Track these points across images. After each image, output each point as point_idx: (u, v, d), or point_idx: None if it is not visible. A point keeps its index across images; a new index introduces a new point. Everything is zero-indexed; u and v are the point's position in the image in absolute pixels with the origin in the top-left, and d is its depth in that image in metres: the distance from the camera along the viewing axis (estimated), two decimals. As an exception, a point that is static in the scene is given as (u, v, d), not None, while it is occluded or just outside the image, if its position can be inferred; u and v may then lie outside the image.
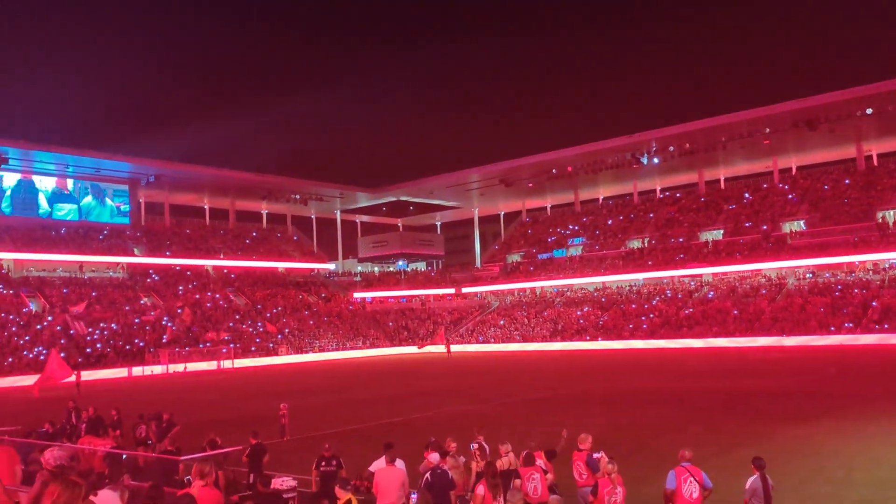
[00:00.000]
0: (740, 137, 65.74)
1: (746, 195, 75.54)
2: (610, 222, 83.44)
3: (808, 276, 62.32)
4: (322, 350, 67.27)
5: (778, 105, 61.51)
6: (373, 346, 71.87)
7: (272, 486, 11.63)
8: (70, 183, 70.71)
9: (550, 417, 20.88)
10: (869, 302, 54.02)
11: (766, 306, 59.06)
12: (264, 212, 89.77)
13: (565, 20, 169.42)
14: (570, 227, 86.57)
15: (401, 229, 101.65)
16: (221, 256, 77.61)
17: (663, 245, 73.23)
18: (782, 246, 64.60)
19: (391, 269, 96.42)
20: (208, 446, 13.30)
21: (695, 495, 9.01)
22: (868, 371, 32.82)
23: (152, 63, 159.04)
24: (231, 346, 60.57)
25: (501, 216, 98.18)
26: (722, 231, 71.57)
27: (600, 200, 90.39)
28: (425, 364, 53.09)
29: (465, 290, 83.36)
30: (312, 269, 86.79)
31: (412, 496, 9.06)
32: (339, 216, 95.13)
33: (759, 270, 65.27)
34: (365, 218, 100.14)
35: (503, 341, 69.61)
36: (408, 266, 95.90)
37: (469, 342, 71.77)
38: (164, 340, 58.22)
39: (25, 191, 68.21)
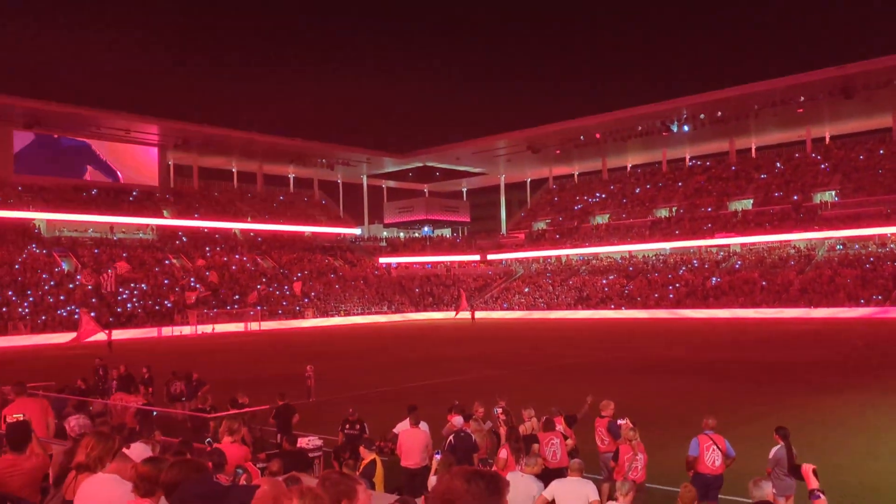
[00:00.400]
0: (773, 105, 64.45)
1: (778, 164, 74.32)
2: (637, 191, 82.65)
3: (838, 247, 61.44)
4: (347, 314, 67.89)
5: (813, 72, 60.14)
6: (398, 311, 72.37)
7: (298, 445, 11.85)
8: (101, 144, 71.48)
9: (573, 384, 20.96)
10: (900, 275, 53.20)
11: (794, 278, 58.44)
12: (291, 176, 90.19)
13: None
14: (598, 194, 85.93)
15: (427, 195, 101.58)
16: (249, 220, 78.32)
17: (691, 214, 72.49)
18: (813, 217, 63.64)
19: (416, 234, 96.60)
20: (230, 405, 13.58)
21: (717, 463, 9.04)
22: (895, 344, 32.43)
23: (182, 25, 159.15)
24: (258, 308, 61.36)
25: (528, 183, 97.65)
26: (752, 201, 70.63)
27: (628, 168, 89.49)
28: (449, 330, 53.40)
29: (490, 256, 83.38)
30: (338, 234, 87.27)
31: (436, 456, 9.19)
32: (365, 181, 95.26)
33: (789, 241, 64.48)
34: (391, 183, 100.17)
35: (527, 309, 69.71)
36: (433, 232, 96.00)
37: (493, 309, 71.96)
38: (192, 301, 59.07)
39: (57, 152, 69.09)
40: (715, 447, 9.11)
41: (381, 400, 19.83)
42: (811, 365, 25.14)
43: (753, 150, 79.99)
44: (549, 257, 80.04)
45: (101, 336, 38.41)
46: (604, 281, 69.87)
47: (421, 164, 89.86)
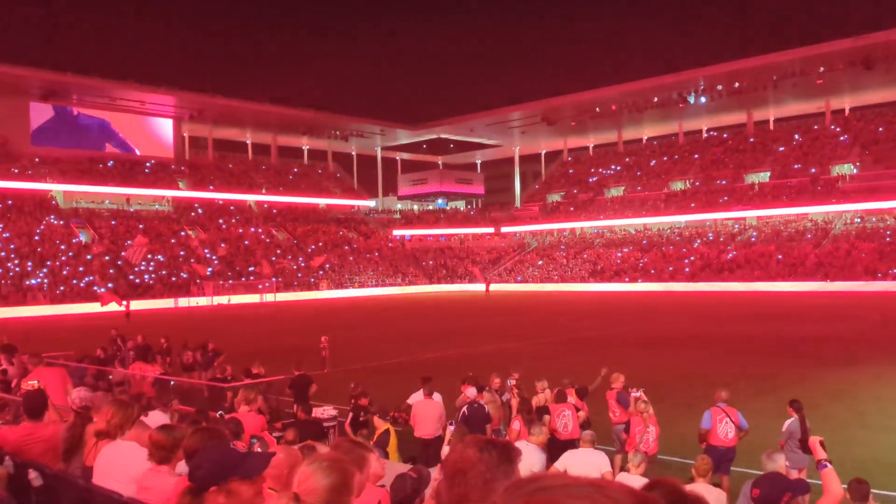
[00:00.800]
0: (792, 76, 63.44)
1: (796, 136, 73.43)
2: (653, 163, 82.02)
3: (856, 220, 60.83)
4: (362, 286, 68.21)
5: (833, 42, 59.05)
6: (411, 283, 72.62)
7: (313, 415, 11.99)
8: (116, 116, 71.70)
9: (587, 357, 21.02)
10: (919, 249, 52.69)
11: (810, 251, 58.02)
12: (305, 148, 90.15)
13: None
14: (613, 167, 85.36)
15: (441, 167, 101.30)
16: (263, 191, 78.53)
17: (707, 187, 71.93)
18: (831, 189, 62.98)
19: (430, 207, 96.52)
20: (244, 375, 13.73)
21: (730, 435, 9.08)
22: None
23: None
24: (273, 279, 61.75)
25: (542, 155, 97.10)
26: (769, 173, 69.94)
27: (644, 140, 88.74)
28: (463, 302, 53.56)
29: (504, 229, 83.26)
30: (353, 206, 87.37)
31: (449, 427, 9.28)
32: (379, 153, 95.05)
33: (806, 214, 63.91)
34: (405, 155, 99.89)
35: (541, 281, 69.70)
36: (447, 204, 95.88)
37: (507, 282, 72.02)
38: (208, 273, 59.54)
39: (73, 123, 69.36)
40: (728, 420, 9.13)
41: (395, 371, 19.98)
42: (827, 339, 25.03)
43: (771, 122, 79.02)
44: (564, 230, 79.83)
45: (114, 306, 38.87)
46: (618, 254, 69.67)
47: (435, 136, 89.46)
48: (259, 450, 5.81)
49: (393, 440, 9.13)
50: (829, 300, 43.95)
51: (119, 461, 4.69)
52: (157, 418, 6.37)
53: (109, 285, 52.51)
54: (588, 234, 77.74)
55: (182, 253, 62.64)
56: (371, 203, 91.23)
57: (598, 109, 75.54)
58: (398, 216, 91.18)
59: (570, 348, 24.43)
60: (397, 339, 28.92)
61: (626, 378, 11.11)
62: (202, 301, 55.96)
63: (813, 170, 66.43)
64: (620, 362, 16.54)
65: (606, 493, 0.88)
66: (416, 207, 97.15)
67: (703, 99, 70.61)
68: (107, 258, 57.17)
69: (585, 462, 7.57)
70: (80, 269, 54.76)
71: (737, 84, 66.75)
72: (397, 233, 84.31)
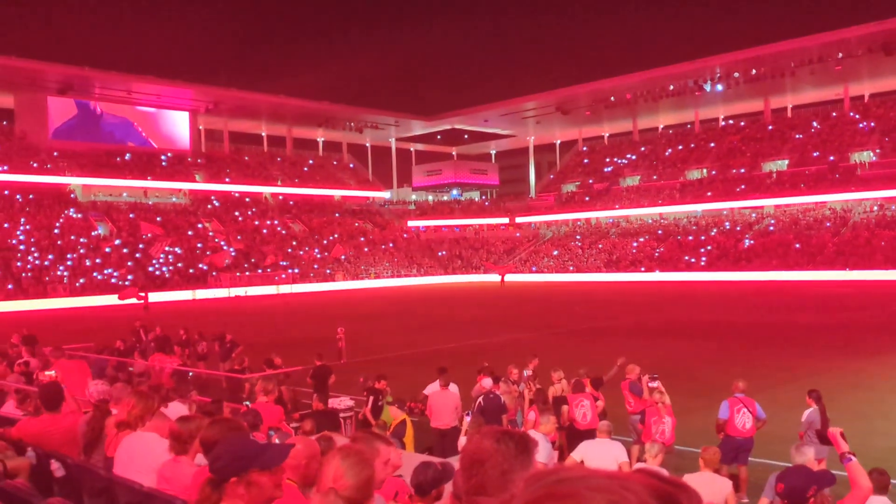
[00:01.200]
0: (810, 63, 62.67)
1: (815, 124, 72.65)
2: (669, 152, 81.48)
3: (875, 208, 60.18)
4: (377, 277, 68.38)
5: (852, 28, 58.21)
6: (427, 274, 72.71)
7: (329, 406, 12.08)
8: (133, 109, 72.17)
9: (603, 347, 20.98)
10: (940, 237, 52.05)
11: (829, 239, 57.47)
12: (320, 140, 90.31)
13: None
14: (628, 156, 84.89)
15: (455, 158, 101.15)
16: (279, 183, 78.83)
17: (724, 175, 71.37)
18: (850, 177, 62.30)
19: (445, 198, 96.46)
20: (265, 365, 13.83)
21: (747, 426, 9.04)
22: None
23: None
24: (290, 271, 62.00)
25: (557, 145, 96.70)
26: (787, 161, 69.29)
27: (659, 129, 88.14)
28: (478, 293, 53.57)
29: (519, 219, 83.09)
30: (368, 198, 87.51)
31: (465, 418, 9.31)
32: (393, 144, 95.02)
33: (824, 203, 63.27)
34: (419, 146, 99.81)
35: (556, 272, 69.55)
36: (462, 195, 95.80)
37: (522, 272, 71.92)
38: (224, 265, 59.90)
39: (91, 117, 69.89)
40: (745, 410, 9.10)
41: (411, 361, 20.04)
42: (846, 328, 24.84)
43: (789, 110, 78.19)
44: (579, 220, 79.56)
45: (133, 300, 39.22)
46: (634, 244, 69.34)
47: (449, 127, 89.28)
48: (277, 441, 5.86)
49: (409, 431, 9.17)
50: (848, 289, 43.55)
51: (140, 452, 4.74)
52: (176, 409, 6.43)
53: (130, 278, 53.01)
54: (603, 223, 77.42)
55: (199, 245, 63.05)
56: (386, 194, 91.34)
57: (612, 98, 75.03)
58: (413, 207, 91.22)
59: (586, 338, 24.39)
60: (413, 329, 29.00)
61: (643, 368, 11.09)
62: (219, 293, 56.35)
63: (831, 157, 65.72)
64: (636, 352, 16.50)
65: (626, 486, 0.88)
66: (430, 198, 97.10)
67: (719, 87, 69.95)
68: (125, 251, 57.66)
69: (602, 452, 7.57)
70: (97, 261, 55.21)
71: (754, 71, 66.04)
72: (412, 224, 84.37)
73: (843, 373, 16.45)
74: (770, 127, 75.85)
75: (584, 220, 79.18)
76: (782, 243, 59.27)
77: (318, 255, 67.78)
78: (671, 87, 71.16)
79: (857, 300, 36.17)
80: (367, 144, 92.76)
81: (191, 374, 15.43)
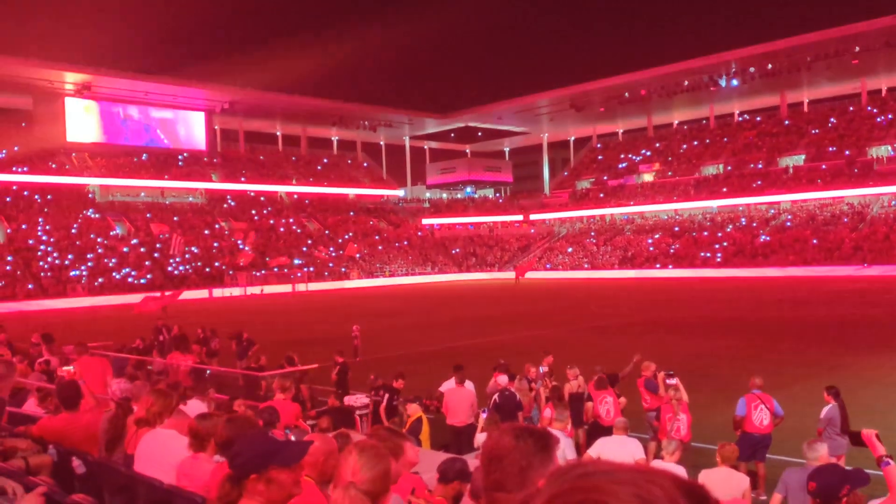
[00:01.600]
0: (827, 57, 62.05)
1: (832, 119, 71.98)
2: (684, 147, 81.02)
3: (893, 203, 59.56)
4: (392, 275, 68.49)
5: (869, 21, 57.61)
6: (441, 272, 72.74)
7: (345, 403, 12.12)
8: (149, 110, 72.73)
9: (619, 344, 20.90)
10: (960, 231, 51.44)
11: (846, 235, 56.95)
12: (335, 138, 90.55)
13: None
14: (643, 152, 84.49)
15: (469, 156, 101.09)
16: (294, 182, 79.14)
17: (739, 171, 70.88)
18: (868, 172, 61.69)
19: (459, 195, 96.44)
20: (286, 363, 13.90)
21: (765, 422, 8.99)
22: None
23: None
24: (305, 269, 62.23)
25: (571, 142, 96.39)
26: (803, 156, 68.70)
27: (674, 125, 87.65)
28: (492, 290, 53.53)
29: (533, 216, 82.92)
30: (382, 196, 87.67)
31: (482, 415, 9.33)
32: (407, 142, 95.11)
33: (842, 198, 62.69)
34: (433, 144, 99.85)
35: (571, 269, 69.34)
36: (476, 193, 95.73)
37: (536, 269, 71.75)
38: (241, 264, 60.22)
39: (107, 118, 70.48)
40: (763, 406, 9.05)
41: (426, 359, 20.07)
42: (864, 324, 24.62)
43: (805, 104, 77.50)
44: (593, 217, 79.30)
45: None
46: (649, 240, 69.01)
47: (463, 125, 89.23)
48: (294, 439, 5.90)
49: (425, 428, 9.19)
50: (866, 285, 43.12)
51: (159, 449, 4.79)
52: (195, 407, 6.49)
53: (148, 276, 53.40)
54: (618, 220, 77.11)
55: (216, 244, 63.44)
56: (400, 192, 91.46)
57: (627, 95, 74.69)
58: (427, 205, 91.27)
59: (602, 335, 24.33)
60: (428, 327, 29.03)
61: (660, 364, 11.06)
62: (236, 291, 56.66)
63: (848, 152, 65.11)
64: (652, 348, 16.46)
65: (651, 479, 0.87)
66: (444, 196, 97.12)
67: (734, 82, 69.46)
68: (142, 250, 58.12)
69: (619, 449, 7.56)
70: (114, 260, 55.65)
71: (769, 66, 65.52)
72: (426, 222, 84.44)
73: (862, 369, 16.31)
74: (786, 122, 75.25)
75: (598, 217, 78.91)
76: (799, 239, 58.80)
77: (333, 254, 67.94)
78: (686, 83, 70.74)
79: (874, 296, 35.82)
80: (381, 143, 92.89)
81: (208, 372, 15.53)
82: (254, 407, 8.01)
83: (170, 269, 56.84)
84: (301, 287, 60.02)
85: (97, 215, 62.42)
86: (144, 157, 71.11)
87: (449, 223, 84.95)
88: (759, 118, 79.84)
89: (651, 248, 67.20)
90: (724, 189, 69.42)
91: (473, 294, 50.08)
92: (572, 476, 0.91)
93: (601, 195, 80.00)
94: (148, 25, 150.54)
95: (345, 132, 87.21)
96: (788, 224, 63.05)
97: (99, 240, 58.18)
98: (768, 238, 61.00)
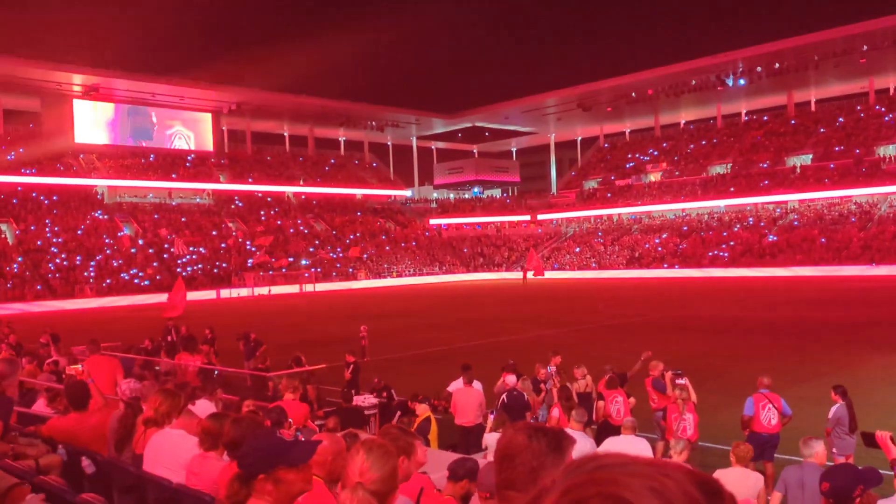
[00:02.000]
0: (834, 56, 61.77)
1: (839, 118, 71.69)
2: (691, 147, 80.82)
3: (902, 202, 59.30)
4: (399, 276, 68.52)
5: (877, 20, 57.28)
6: (448, 272, 72.73)
7: (354, 403, 12.14)
8: (157, 111, 73.00)
9: (627, 343, 20.85)
10: (970, 230, 51.13)
11: (855, 234, 56.68)
12: (342, 139, 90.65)
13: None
14: (650, 151, 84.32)
15: (476, 156, 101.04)
16: (301, 183, 79.26)
17: (747, 171, 70.65)
18: (876, 171, 61.41)
19: (466, 195, 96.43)
20: (293, 363, 13.93)
21: (773, 422, 8.97)
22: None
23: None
24: (313, 270, 62.31)
25: (578, 142, 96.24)
26: (811, 156, 68.42)
27: (681, 125, 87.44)
28: (500, 290, 53.51)
29: (540, 216, 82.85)
30: (389, 196, 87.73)
31: (490, 416, 9.33)
32: (414, 143, 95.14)
33: (850, 197, 62.42)
34: (440, 144, 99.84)
35: (579, 269, 69.25)
36: (483, 193, 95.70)
37: (545, 270, 71.56)
38: (248, 265, 60.37)
39: (115, 120, 70.78)
40: (771, 406, 9.02)
41: (434, 359, 20.07)
42: (872, 323, 24.51)
43: (813, 104, 77.17)
44: (601, 216, 79.18)
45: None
46: (657, 240, 68.85)
47: (470, 125, 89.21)
48: (303, 438, 5.90)
49: (434, 428, 9.20)
50: (874, 284, 42.93)
51: (168, 448, 4.81)
52: (203, 407, 6.51)
53: (157, 278, 53.58)
54: (625, 220, 76.98)
55: (223, 245, 63.59)
56: (407, 192, 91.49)
57: (634, 94, 74.56)
58: (434, 205, 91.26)
59: (610, 335, 24.29)
60: (435, 327, 29.03)
61: (667, 363, 11.04)
62: (243, 292, 56.78)
63: (857, 151, 64.83)
64: (660, 348, 16.40)
65: (665, 472, 0.88)
66: (452, 196, 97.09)
67: (741, 81, 69.24)
68: (151, 251, 58.32)
69: (627, 449, 7.46)
70: (119, 261, 55.85)
71: (777, 65, 65.28)
72: (434, 222, 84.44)
73: (870, 368, 16.24)
74: (793, 121, 74.98)
75: (605, 217, 78.79)
76: (807, 238, 58.57)
77: (341, 255, 67.96)
78: (693, 82, 70.57)
79: (883, 295, 35.66)
80: (389, 143, 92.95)
81: (216, 372, 15.57)
82: (262, 407, 8.03)
83: (178, 269, 57.01)
84: (309, 287, 60.11)
85: (105, 216, 62.66)
86: (152, 157, 71.33)
87: (456, 223, 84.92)
88: (766, 118, 79.57)
89: (659, 248, 67.05)
90: (732, 189, 69.21)
91: (481, 294, 50.06)
92: (588, 468, 0.92)
93: (608, 195, 79.86)
94: (155, 26, 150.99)
95: (352, 132, 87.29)
96: (796, 223, 62.82)
97: (107, 241, 58.39)
98: (776, 238, 60.79)
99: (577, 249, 73.62)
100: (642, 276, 61.57)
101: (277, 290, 58.11)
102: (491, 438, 8.30)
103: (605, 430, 9.91)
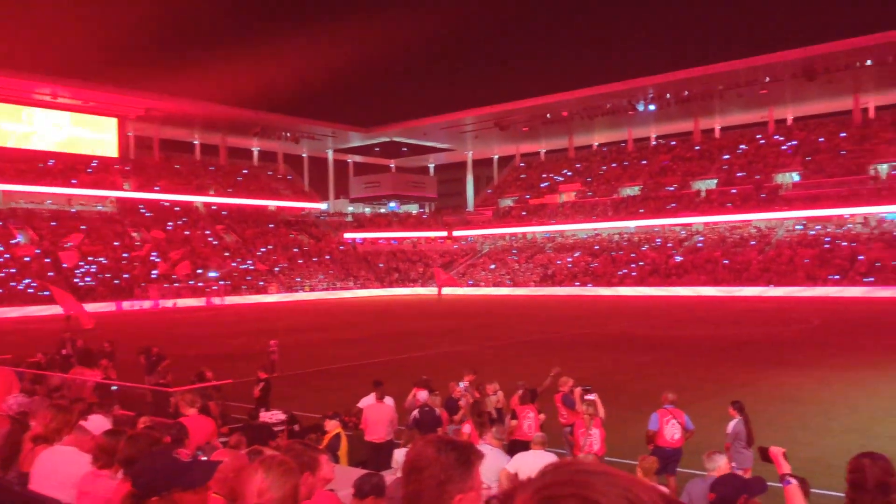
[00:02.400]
0: (737, 86, 65.14)
1: (741, 146, 75.30)
2: (604, 169, 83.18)
3: (797, 227, 62.62)
4: (312, 290, 67.53)
5: (776, 54, 60.76)
6: (363, 286, 72.17)
7: (261, 419, 11.81)
8: (59, 114, 69.70)
9: (538, 360, 21.12)
10: (856, 255, 54.44)
11: (754, 257, 59.47)
12: (255, 149, 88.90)
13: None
14: (564, 172, 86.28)
15: (393, 170, 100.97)
16: (212, 193, 77.17)
17: (656, 193, 73.22)
18: (774, 197, 64.72)
19: (383, 210, 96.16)
20: (197, 378, 13.46)
21: (676, 437, 9.20)
22: (852, 323, 33.27)
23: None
24: (221, 283, 60.66)
25: (495, 160, 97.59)
26: (715, 181, 71.54)
27: (594, 147, 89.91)
28: (415, 306, 53.46)
29: (456, 233, 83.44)
30: (303, 209, 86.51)
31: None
32: (331, 155, 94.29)
33: (750, 221, 65.53)
34: (357, 158, 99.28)
35: (493, 285, 70.00)
36: (399, 208, 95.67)
37: (459, 285, 72.05)
38: (153, 276, 58.24)
39: (13, 121, 67.21)
40: (674, 421, 9.27)
41: (345, 374, 19.80)
42: (769, 343, 25.67)
43: (717, 131, 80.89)
44: (516, 234, 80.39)
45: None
46: (569, 259, 70.40)
47: (387, 140, 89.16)
48: (203, 457, 5.66)
49: (343, 444, 9.03)
50: (772, 305, 45.08)
51: (57, 466, 4.56)
52: (97, 423, 6.17)
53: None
54: (539, 238, 78.42)
55: (126, 255, 61.10)
56: (322, 206, 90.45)
57: (549, 115, 76.31)
58: (350, 219, 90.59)
59: (522, 351, 24.55)
60: (347, 342, 28.68)
61: (577, 380, 11.19)
62: (146, 304, 54.73)
63: (757, 177, 68.18)
64: (571, 364, 16.69)
65: (643, 488, 0.93)
66: (367, 210, 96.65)
67: (651, 107, 71.90)
68: (47, 260, 55.48)
69: (536, 464, 7.41)
70: (13, 270, 52.98)
71: (685, 93, 68.20)
72: (349, 236, 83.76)
73: (767, 386, 16.96)
74: (699, 147, 78.27)
75: (520, 235, 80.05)
76: (710, 260, 61.07)
77: (252, 267, 66.36)
78: (607, 106, 72.76)
79: (779, 315, 37.46)
80: (304, 155, 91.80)
81: (114, 387, 14.86)
82: (162, 424, 7.68)
83: (75, 280, 54.44)
84: (216, 301, 58.49)
85: (-1, 223, 59.32)
86: (51, 162, 68.01)
87: (372, 238, 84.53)
88: (673, 142, 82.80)
89: (571, 266, 68.56)
90: (641, 210, 71.55)
91: (395, 309, 49.87)
92: (570, 470, 0.96)
93: (523, 213, 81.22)
94: (60, 27, 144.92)
95: (266, 143, 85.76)
96: (700, 245, 65.46)
97: None
98: (682, 258, 63.13)
99: (493, 266, 74.45)
100: (555, 294, 62.76)
101: (183, 302, 56.29)
102: (401, 454, 8.20)
103: (514, 446, 9.95)
